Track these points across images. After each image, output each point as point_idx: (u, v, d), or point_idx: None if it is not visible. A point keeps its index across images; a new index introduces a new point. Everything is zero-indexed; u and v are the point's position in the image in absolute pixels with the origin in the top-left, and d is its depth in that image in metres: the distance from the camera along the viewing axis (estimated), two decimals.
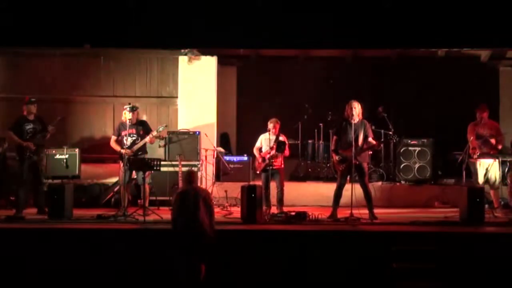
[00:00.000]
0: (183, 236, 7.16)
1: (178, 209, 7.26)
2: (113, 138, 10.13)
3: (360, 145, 9.40)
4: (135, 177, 10.00)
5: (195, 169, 11.19)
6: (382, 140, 10.52)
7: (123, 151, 9.85)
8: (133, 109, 9.98)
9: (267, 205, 9.78)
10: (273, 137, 10.04)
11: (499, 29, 9.98)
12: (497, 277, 8.02)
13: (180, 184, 10.48)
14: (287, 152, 10.12)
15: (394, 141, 10.11)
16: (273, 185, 10.12)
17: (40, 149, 10.02)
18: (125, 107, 10.07)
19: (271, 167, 9.85)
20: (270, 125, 10.13)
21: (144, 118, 11.28)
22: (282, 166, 10.15)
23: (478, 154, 9.89)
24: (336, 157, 9.51)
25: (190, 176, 7.48)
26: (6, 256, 8.18)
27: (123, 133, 10.00)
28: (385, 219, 9.38)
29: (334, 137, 9.74)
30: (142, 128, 10.09)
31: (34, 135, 9.86)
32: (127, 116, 9.94)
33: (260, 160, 10.14)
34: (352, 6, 10.05)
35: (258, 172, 10.28)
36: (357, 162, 9.37)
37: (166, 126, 10.47)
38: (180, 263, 7.20)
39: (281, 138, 10.08)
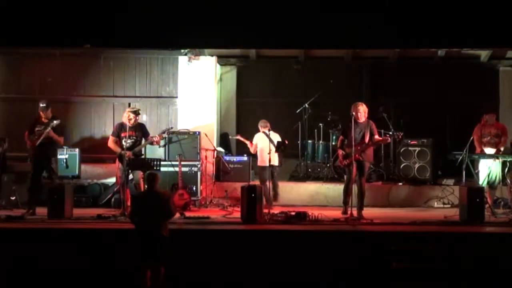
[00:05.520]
0: (141, 238, 7.24)
1: (136, 211, 7.40)
2: (112, 138, 10.13)
3: (366, 142, 9.52)
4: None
5: (194, 169, 11.25)
6: (388, 136, 10.58)
7: (127, 153, 9.80)
8: (137, 113, 10.04)
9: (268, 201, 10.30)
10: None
11: (499, 29, 9.96)
12: (497, 277, 8.02)
13: (180, 184, 10.51)
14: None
15: (398, 138, 10.15)
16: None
17: (50, 149, 9.93)
18: (128, 110, 10.09)
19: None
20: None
21: (144, 118, 11.25)
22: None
23: (481, 153, 9.98)
24: (341, 152, 9.65)
25: (152, 180, 7.45)
26: (6, 256, 8.16)
27: (122, 135, 10.00)
28: (385, 219, 9.39)
29: (340, 137, 9.90)
30: (141, 130, 10.14)
31: (40, 135, 9.82)
32: (129, 118, 9.96)
33: None
34: (352, 5, 10.03)
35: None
36: (361, 158, 9.41)
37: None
38: (139, 264, 7.25)
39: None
